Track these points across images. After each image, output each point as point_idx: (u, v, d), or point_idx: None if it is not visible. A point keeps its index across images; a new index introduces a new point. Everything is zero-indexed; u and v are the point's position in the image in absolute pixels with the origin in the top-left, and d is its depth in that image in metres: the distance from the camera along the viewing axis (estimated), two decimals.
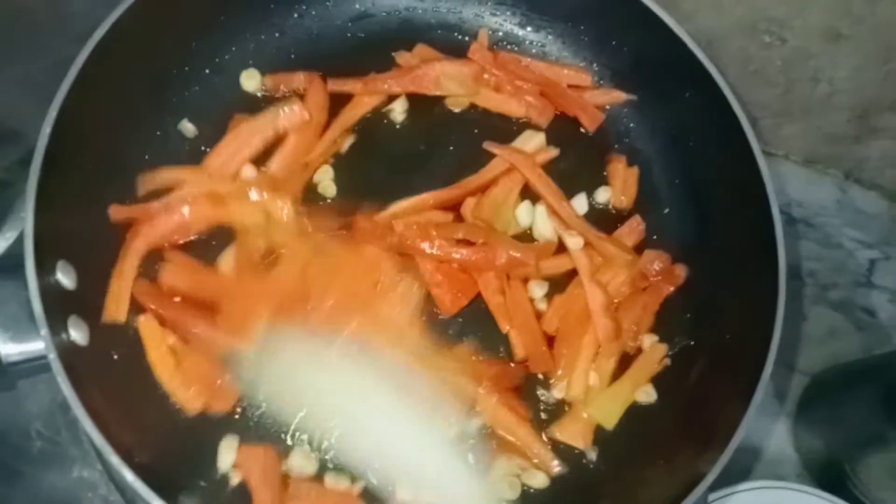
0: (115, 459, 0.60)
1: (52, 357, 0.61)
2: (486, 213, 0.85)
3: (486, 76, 0.92)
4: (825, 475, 1.03)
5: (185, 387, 0.72)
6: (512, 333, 0.82)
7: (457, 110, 0.92)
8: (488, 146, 0.89)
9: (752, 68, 1.06)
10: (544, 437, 0.79)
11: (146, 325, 0.75)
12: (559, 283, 0.86)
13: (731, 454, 0.71)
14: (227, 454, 0.73)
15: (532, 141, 0.91)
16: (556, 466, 0.78)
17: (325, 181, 0.85)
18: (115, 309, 0.75)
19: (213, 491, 0.72)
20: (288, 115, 0.84)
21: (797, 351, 1.13)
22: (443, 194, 0.85)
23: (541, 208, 0.86)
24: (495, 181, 0.87)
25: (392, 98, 0.90)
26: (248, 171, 0.83)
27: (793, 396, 1.10)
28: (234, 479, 0.73)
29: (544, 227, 0.86)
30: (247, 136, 0.84)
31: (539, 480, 0.77)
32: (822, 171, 1.24)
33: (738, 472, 1.06)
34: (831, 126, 1.17)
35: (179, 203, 0.78)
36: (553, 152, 0.91)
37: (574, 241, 0.85)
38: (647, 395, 0.83)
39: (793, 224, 1.20)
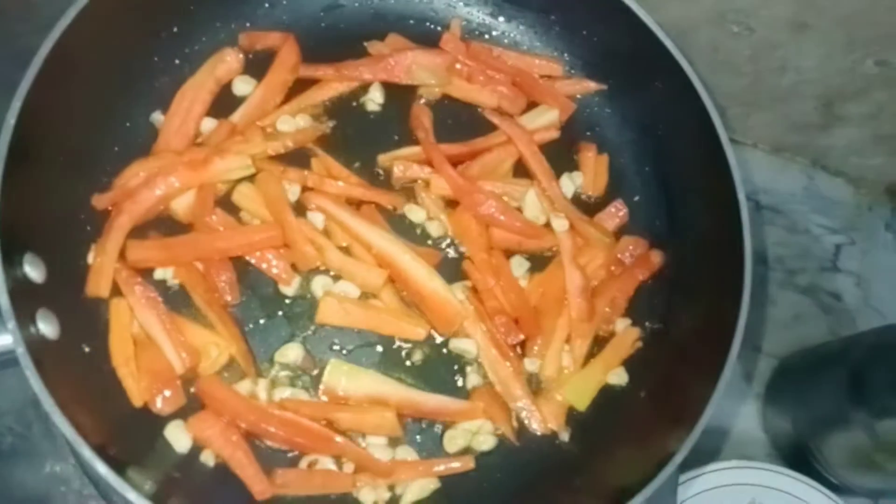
0: (87, 452, 0.60)
1: (21, 351, 0.61)
2: (474, 175, 0.86)
3: (458, 66, 0.92)
4: (792, 454, 1.06)
5: (135, 377, 0.72)
6: (497, 290, 0.82)
7: (429, 100, 0.92)
8: (490, 115, 0.89)
9: (720, 58, 1.08)
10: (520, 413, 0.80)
11: (117, 307, 0.75)
12: (538, 264, 0.87)
13: (700, 433, 0.73)
14: (179, 436, 0.72)
15: (543, 117, 0.91)
16: (539, 428, 0.79)
17: None
18: (97, 285, 0.74)
19: (190, 478, 0.72)
20: (225, 63, 0.85)
21: (765, 334, 1.16)
22: (441, 148, 0.85)
23: (531, 190, 0.87)
24: (489, 149, 0.88)
25: (366, 87, 0.90)
26: (208, 124, 0.84)
27: (761, 379, 1.13)
28: (209, 460, 0.73)
29: (533, 207, 0.87)
30: (192, 92, 0.84)
31: (489, 443, 0.78)
32: (790, 159, 1.26)
33: (708, 453, 1.08)
34: (798, 115, 1.19)
35: (159, 176, 0.77)
36: (554, 134, 0.92)
37: (560, 223, 0.86)
38: (619, 377, 0.85)
39: (760, 211, 1.22)
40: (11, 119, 0.68)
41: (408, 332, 0.80)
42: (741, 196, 0.81)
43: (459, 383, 0.82)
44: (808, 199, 1.25)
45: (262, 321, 0.80)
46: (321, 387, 0.77)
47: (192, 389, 0.75)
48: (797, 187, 1.25)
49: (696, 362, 0.80)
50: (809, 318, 1.17)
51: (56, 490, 0.77)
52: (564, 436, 0.81)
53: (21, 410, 0.79)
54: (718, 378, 0.74)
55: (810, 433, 1.02)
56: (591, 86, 0.96)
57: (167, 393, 0.72)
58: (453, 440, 0.78)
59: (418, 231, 0.87)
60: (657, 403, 0.82)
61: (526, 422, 0.80)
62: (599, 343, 0.86)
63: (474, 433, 0.79)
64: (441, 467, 0.76)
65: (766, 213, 1.23)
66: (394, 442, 0.78)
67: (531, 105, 0.94)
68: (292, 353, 0.78)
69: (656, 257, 0.89)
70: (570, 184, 0.91)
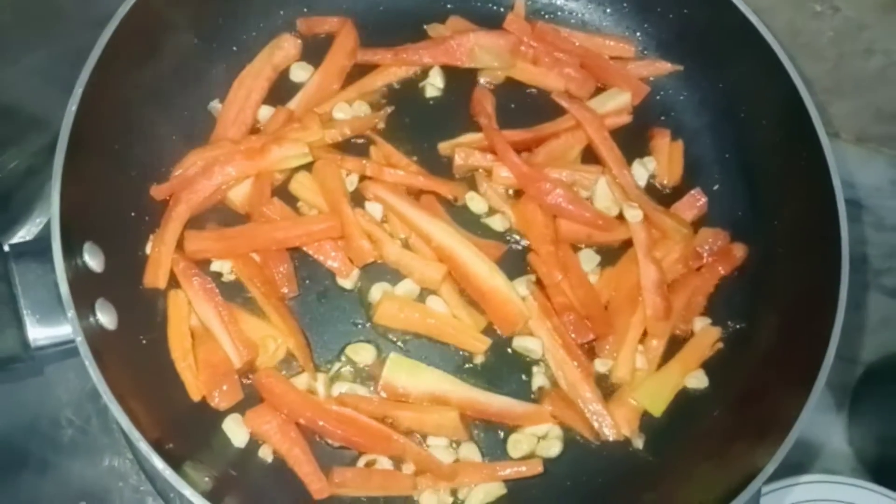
0: (143, 446, 0.59)
1: (80, 340, 0.60)
2: (540, 163, 0.82)
3: (522, 48, 0.88)
4: (879, 468, 1.00)
5: (193, 371, 0.70)
6: (565, 285, 0.78)
7: (492, 84, 0.88)
8: (556, 97, 0.85)
9: (800, 41, 1.00)
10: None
11: (175, 299, 0.73)
12: (609, 258, 0.82)
13: (789, 448, 0.66)
14: (237, 430, 0.70)
15: (614, 100, 0.87)
16: (611, 433, 0.74)
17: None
18: (155, 275, 0.73)
19: (247, 476, 0.70)
20: (282, 50, 0.83)
21: (851, 340, 1.09)
22: (504, 134, 0.82)
23: (602, 178, 0.82)
24: (556, 135, 0.84)
25: (426, 72, 0.87)
26: (265, 112, 0.82)
27: (846, 388, 1.06)
28: (267, 456, 0.71)
29: (604, 197, 0.82)
30: (249, 80, 0.82)
31: (555, 449, 0.74)
32: (875, 150, 1.18)
33: (788, 466, 1.01)
34: (886, 102, 1.11)
35: (216, 166, 0.76)
36: (626, 118, 0.87)
37: (633, 213, 0.81)
38: (698, 380, 0.79)
39: (845, 206, 1.15)
40: (73, 106, 0.67)
41: (467, 344, 0.76)
42: (836, 183, 0.74)
43: (527, 385, 0.77)
44: (895, 194, 1.16)
45: (320, 315, 0.78)
46: (380, 382, 0.73)
47: (249, 382, 0.73)
48: (884, 180, 1.17)
49: (783, 368, 0.74)
50: None
51: (113, 485, 0.76)
52: (638, 442, 0.76)
53: (80, 404, 0.78)
54: (811, 387, 0.68)
55: None
56: (666, 67, 0.90)
57: (225, 387, 0.70)
58: (518, 445, 0.74)
59: (481, 223, 0.83)
60: (740, 412, 0.75)
61: (597, 427, 0.75)
62: (676, 344, 0.80)
63: (540, 438, 0.74)
64: (507, 471, 0.72)
65: (850, 208, 1.14)
66: (457, 444, 0.74)
67: (601, 88, 0.89)
68: (365, 353, 0.76)
69: (738, 251, 0.83)
70: (643, 171, 0.85)
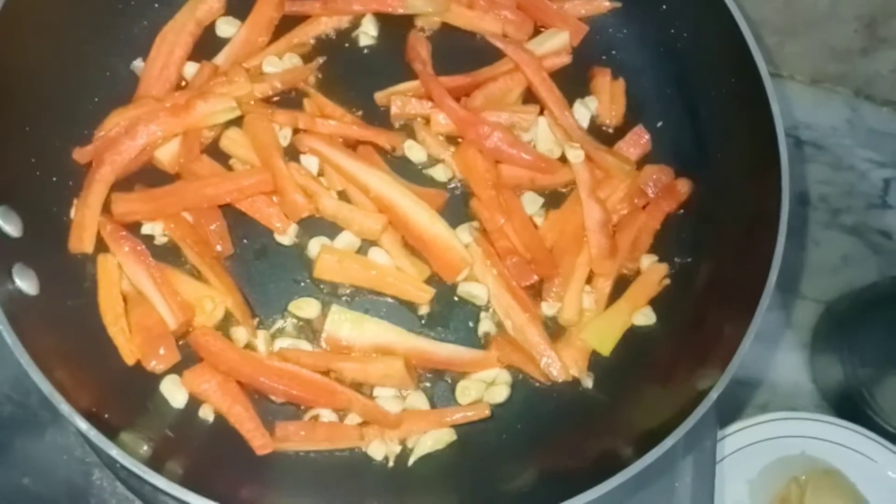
0: (65, 408, 0.57)
1: None
2: (478, 107, 0.80)
3: None
4: (843, 404, 1.01)
5: (126, 335, 0.69)
6: (508, 229, 0.77)
7: (428, 30, 0.86)
8: (492, 39, 0.83)
9: None
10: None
11: (104, 263, 0.71)
12: (554, 200, 0.81)
13: (742, 379, 0.66)
14: (175, 391, 0.69)
15: (552, 41, 0.85)
16: (560, 375, 0.74)
17: None
18: (80, 239, 0.71)
19: (188, 438, 0.68)
20: (206, 3, 0.81)
21: (810, 279, 1.10)
22: (441, 80, 0.80)
23: (542, 118, 0.81)
24: (494, 78, 0.82)
25: (358, 20, 0.85)
26: (191, 69, 0.80)
27: (807, 326, 1.07)
28: (207, 416, 0.70)
29: (546, 139, 0.81)
30: (172, 36, 0.80)
31: (503, 395, 0.73)
32: (831, 90, 1.18)
33: (754, 407, 1.02)
34: (837, 40, 1.11)
35: (140, 124, 0.73)
36: (565, 59, 0.85)
37: (575, 154, 0.79)
38: (646, 317, 0.78)
39: (801, 147, 1.15)
40: None
41: (411, 294, 0.75)
42: (776, 109, 0.73)
43: (474, 332, 0.76)
44: (852, 132, 1.17)
45: (259, 273, 0.76)
46: (323, 335, 0.72)
47: (185, 343, 0.71)
48: (840, 120, 1.18)
49: (730, 298, 0.74)
50: (857, 260, 1.10)
51: (58, 459, 0.74)
52: (588, 382, 0.75)
53: (18, 379, 0.76)
54: (754, 311, 0.68)
55: (862, 380, 0.97)
56: (605, 4, 0.88)
57: (161, 350, 0.69)
58: (466, 391, 0.73)
59: (424, 174, 0.81)
60: (688, 344, 0.75)
61: (545, 369, 0.74)
62: (623, 282, 0.79)
63: (489, 384, 0.74)
64: (454, 416, 0.71)
65: (808, 149, 1.16)
66: (404, 394, 0.73)
67: (539, 30, 0.87)
68: (309, 308, 0.74)
69: (683, 186, 0.82)
70: (584, 111, 0.84)
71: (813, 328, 1.08)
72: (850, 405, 0.99)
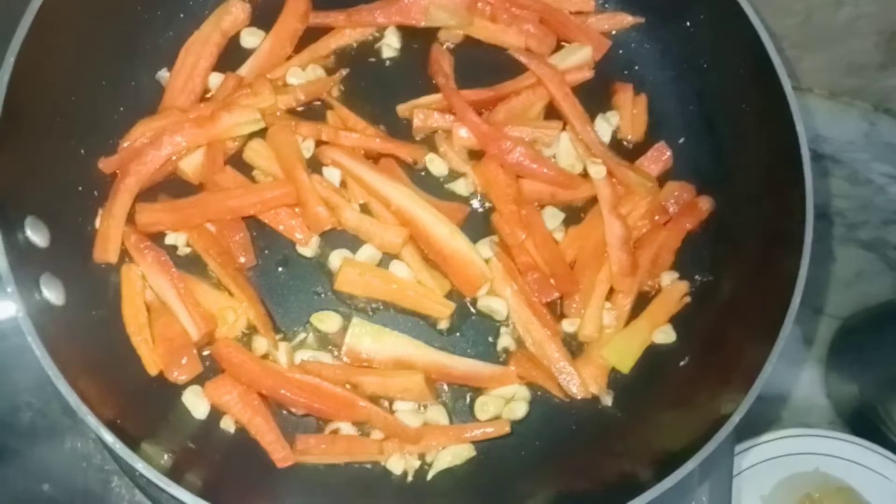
0: (91, 420, 0.57)
1: (22, 316, 0.58)
2: (500, 122, 0.80)
3: (480, 5, 0.85)
4: (858, 421, 1.00)
5: (149, 345, 0.69)
6: (528, 245, 0.77)
7: (451, 43, 0.86)
8: (515, 53, 0.83)
9: None
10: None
11: (128, 273, 0.72)
12: (574, 216, 0.81)
13: (757, 396, 0.66)
14: (197, 402, 0.69)
15: (575, 55, 0.85)
16: (579, 392, 0.74)
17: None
18: (105, 249, 0.71)
19: (209, 449, 0.68)
20: (231, 14, 0.81)
21: (825, 294, 1.09)
22: (463, 94, 0.80)
23: (564, 133, 0.81)
24: (517, 92, 0.82)
25: (381, 33, 0.85)
26: (215, 79, 0.80)
27: (822, 341, 1.06)
28: (228, 427, 0.70)
29: (567, 154, 0.81)
30: (197, 47, 0.80)
31: (522, 411, 0.73)
32: (849, 104, 1.18)
33: (768, 422, 1.02)
34: (856, 54, 1.10)
35: (165, 135, 0.74)
36: (588, 74, 0.85)
37: (597, 170, 0.79)
38: (666, 335, 0.78)
39: (819, 161, 1.15)
40: (4, 76, 0.64)
41: (431, 309, 0.75)
42: (800, 129, 0.73)
43: (494, 347, 0.76)
44: (869, 147, 1.16)
45: (281, 284, 0.76)
46: (343, 348, 0.72)
47: (208, 353, 0.72)
48: (857, 134, 1.17)
49: (751, 318, 0.73)
50: (873, 275, 1.10)
51: (77, 466, 0.75)
52: (607, 400, 0.75)
53: (38, 387, 0.76)
54: (777, 335, 0.68)
55: (878, 397, 0.96)
56: (627, 19, 0.88)
57: (184, 360, 0.69)
58: (484, 407, 0.73)
59: (445, 188, 0.81)
60: (708, 364, 0.75)
61: (565, 386, 0.74)
62: (644, 299, 0.79)
63: (507, 399, 0.74)
64: (474, 432, 0.72)
65: (825, 163, 1.15)
66: (424, 408, 0.73)
67: (561, 44, 0.87)
68: (331, 321, 0.74)
69: (705, 204, 0.82)
70: (606, 126, 0.84)
71: (828, 344, 1.07)
72: (864, 422, 0.98)
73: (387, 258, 0.77)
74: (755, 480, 0.92)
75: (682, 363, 0.76)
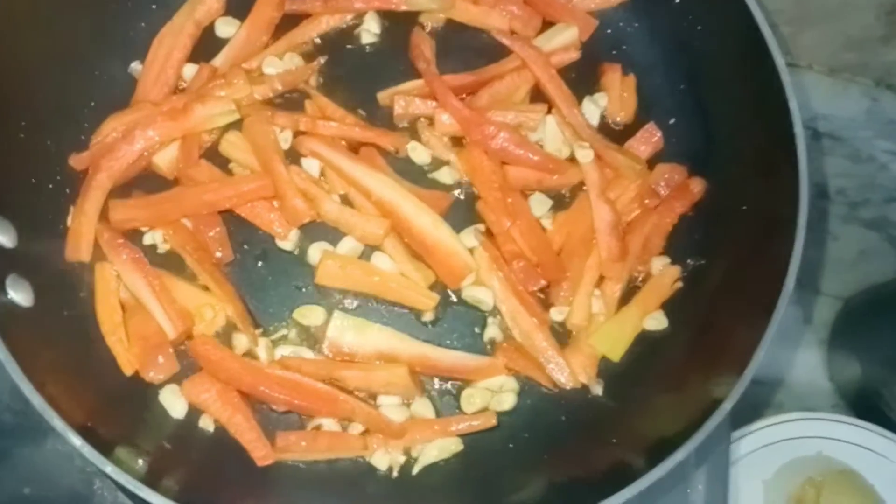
0: (59, 424, 0.56)
1: None
2: (483, 106, 0.78)
3: None
4: (861, 403, 0.99)
5: (125, 345, 0.68)
6: (514, 232, 0.74)
7: (433, 27, 0.83)
8: (498, 36, 0.81)
9: None
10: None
11: (102, 272, 0.70)
12: (562, 202, 0.79)
13: (751, 379, 0.65)
14: (174, 401, 0.68)
15: (560, 36, 0.82)
16: (569, 382, 0.72)
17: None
18: (77, 248, 0.70)
19: (187, 451, 0.67)
20: (204, 4, 0.79)
21: (827, 275, 1.07)
22: (445, 79, 0.78)
23: (550, 117, 0.78)
24: (501, 76, 0.79)
25: (360, 17, 0.83)
26: (190, 71, 0.78)
27: (824, 323, 1.04)
28: (208, 426, 0.69)
29: (554, 138, 0.78)
30: (170, 38, 0.78)
31: (509, 402, 0.72)
32: (849, 80, 1.15)
33: (768, 407, 1.00)
34: (856, 28, 1.07)
35: (138, 129, 0.72)
36: (574, 55, 0.82)
37: (584, 153, 0.77)
38: (658, 322, 0.76)
39: (818, 139, 1.12)
40: None
41: (415, 301, 0.73)
42: (793, 105, 0.71)
43: (480, 337, 0.75)
44: (871, 123, 1.14)
45: (261, 279, 0.75)
46: (325, 342, 0.70)
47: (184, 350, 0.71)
48: (859, 111, 1.14)
49: (744, 302, 0.71)
50: (876, 254, 1.08)
51: (59, 467, 0.74)
52: (597, 389, 0.73)
53: (18, 387, 0.75)
54: (771, 318, 0.66)
55: (882, 378, 0.95)
56: None
57: (160, 359, 0.68)
58: (471, 399, 0.71)
59: (428, 177, 0.79)
60: (701, 349, 0.73)
61: (554, 376, 0.72)
62: (634, 286, 0.77)
63: (494, 392, 0.72)
64: (459, 426, 0.70)
65: (826, 141, 1.13)
66: (409, 402, 0.71)
67: (546, 25, 0.84)
68: (314, 315, 0.73)
69: (696, 186, 0.79)
70: (594, 109, 0.81)
71: (830, 325, 1.05)
72: (867, 404, 0.97)
73: (368, 250, 0.75)
74: (756, 465, 0.91)
75: (674, 350, 0.74)
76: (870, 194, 1.11)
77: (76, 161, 0.72)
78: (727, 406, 0.63)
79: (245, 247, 0.75)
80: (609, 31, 0.86)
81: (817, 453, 0.92)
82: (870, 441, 0.92)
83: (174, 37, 0.78)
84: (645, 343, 0.75)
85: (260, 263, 0.75)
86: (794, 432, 0.93)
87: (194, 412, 0.69)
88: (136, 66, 0.79)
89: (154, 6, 0.80)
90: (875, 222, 1.10)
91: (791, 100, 0.71)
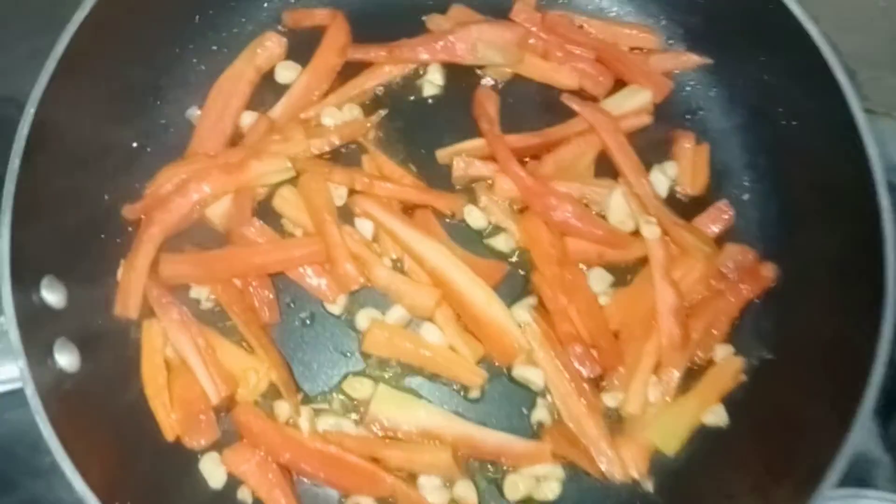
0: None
1: (31, 394, 0.56)
2: (547, 174, 0.74)
3: (531, 41, 0.79)
4: None
5: (167, 409, 0.66)
6: (571, 311, 0.71)
7: (498, 82, 0.80)
8: (567, 100, 0.77)
9: (846, 13, 0.90)
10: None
11: (149, 330, 0.69)
12: (623, 278, 0.75)
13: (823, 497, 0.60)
14: (214, 470, 0.66)
15: (633, 99, 0.78)
16: (619, 474, 0.69)
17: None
18: (126, 304, 0.69)
19: None
20: (266, 50, 0.77)
21: None
22: (509, 140, 0.74)
23: (617, 187, 0.74)
24: (567, 140, 0.76)
25: (424, 68, 0.79)
26: (247, 118, 0.76)
27: (879, 388, 0.98)
28: (246, 498, 0.68)
29: (618, 210, 0.74)
30: (229, 85, 0.76)
31: (554, 493, 0.68)
32: None
33: None
34: None
35: (192, 182, 0.71)
36: (646, 119, 0.78)
37: (651, 230, 0.73)
38: (717, 417, 0.72)
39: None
40: (31, 108, 0.60)
41: (462, 377, 0.71)
42: (885, 204, 0.65)
43: (527, 418, 0.72)
44: None
45: (305, 342, 0.73)
46: (367, 417, 0.68)
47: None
48: None
49: (817, 404, 0.66)
50: None
51: None
52: (648, 485, 0.70)
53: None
54: (851, 421, 0.61)
55: None
56: (694, 59, 0.80)
57: (202, 426, 0.67)
58: (514, 486, 0.69)
59: (484, 242, 0.76)
60: (766, 451, 0.68)
61: (603, 467, 0.69)
62: (694, 375, 0.73)
63: (540, 479, 0.69)
64: None
65: None
66: (451, 482, 0.69)
67: (619, 85, 0.80)
68: (363, 387, 0.70)
69: (768, 271, 0.74)
70: (663, 179, 0.77)
71: (886, 390, 0.99)
72: None
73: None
74: None
75: (735, 450, 0.70)
76: None
77: (129, 211, 0.71)
78: None
79: (291, 306, 0.74)
80: (684, 93, 0.81)
81: None
82: None
83: (233, 83, 0.76)
84: (702, 438, 0.71)
85: (306, 326, 0.73)
86: None
87: (232, 483, 0.68)
88: (193, 111, 0.77)
89: (214, 47, 0.78)
90: None
91: (883, 196, 0.65)
